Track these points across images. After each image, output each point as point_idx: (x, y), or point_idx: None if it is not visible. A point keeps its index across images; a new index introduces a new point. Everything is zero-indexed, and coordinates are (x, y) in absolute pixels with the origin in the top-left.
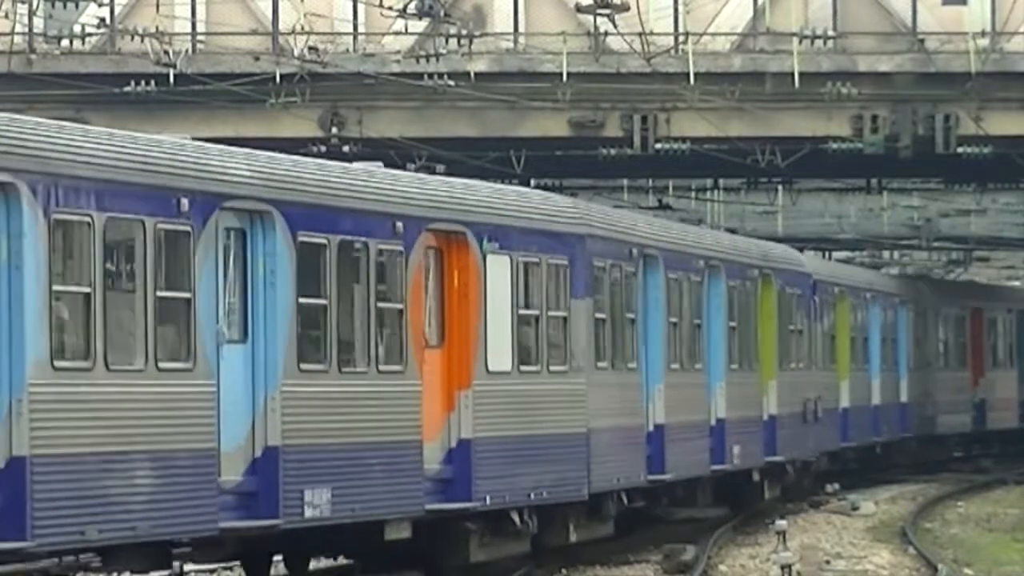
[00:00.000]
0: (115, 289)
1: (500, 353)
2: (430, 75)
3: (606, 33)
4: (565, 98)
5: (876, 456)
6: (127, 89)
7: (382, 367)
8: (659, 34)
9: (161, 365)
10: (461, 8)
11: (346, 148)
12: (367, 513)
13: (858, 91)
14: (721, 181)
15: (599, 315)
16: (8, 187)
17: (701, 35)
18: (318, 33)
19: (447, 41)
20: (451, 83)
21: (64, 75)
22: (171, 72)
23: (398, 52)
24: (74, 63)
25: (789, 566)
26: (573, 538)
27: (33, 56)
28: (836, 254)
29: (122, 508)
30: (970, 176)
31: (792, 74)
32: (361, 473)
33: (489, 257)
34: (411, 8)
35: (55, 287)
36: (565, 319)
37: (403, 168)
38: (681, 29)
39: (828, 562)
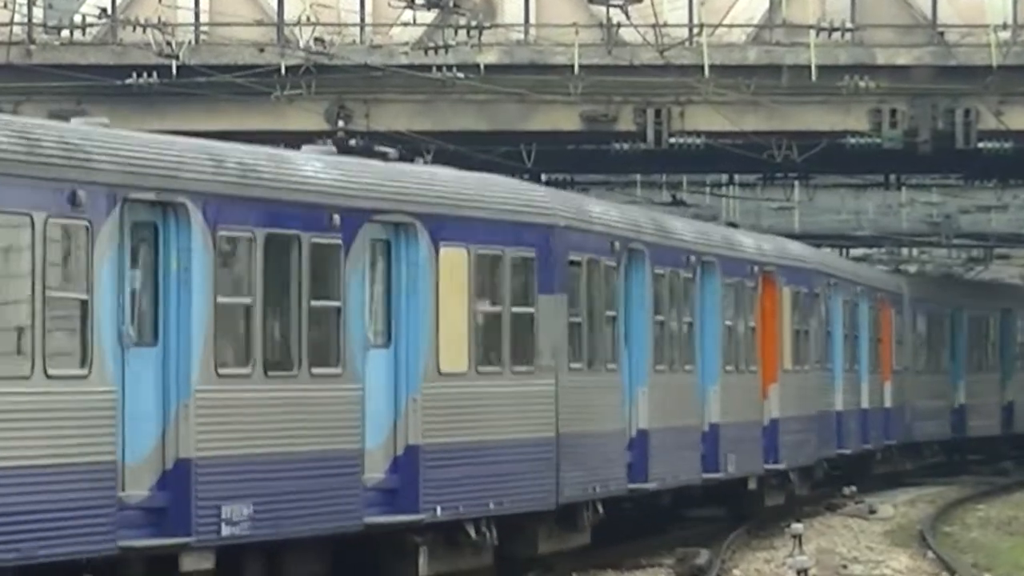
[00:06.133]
0: None
1: None
2: (438, 67)
3: (619, 25)
4: (577, 91)
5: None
6: (129, 81)
7: None
8: (673, 26)
9: None
10: None
11: (352, 141)
12: None
13: (876, 85)
14: (736, 176)
15: None
16: None
17: (716, 27)
18: (324, 24)
19: (456, 32)
20: (460, 75)
21: (64, 66)
22: (174, 64)
23: (406, 44)
24: (74, 54)
25: (805, 570)
26: None
27: (33, 47)
28: (854, 251)
29: None
30: (991, 172)
31: (809, 67)
32: None
33: None
34: None
35: None
36: None
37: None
38: (696, 21)
39: (845, 566)
